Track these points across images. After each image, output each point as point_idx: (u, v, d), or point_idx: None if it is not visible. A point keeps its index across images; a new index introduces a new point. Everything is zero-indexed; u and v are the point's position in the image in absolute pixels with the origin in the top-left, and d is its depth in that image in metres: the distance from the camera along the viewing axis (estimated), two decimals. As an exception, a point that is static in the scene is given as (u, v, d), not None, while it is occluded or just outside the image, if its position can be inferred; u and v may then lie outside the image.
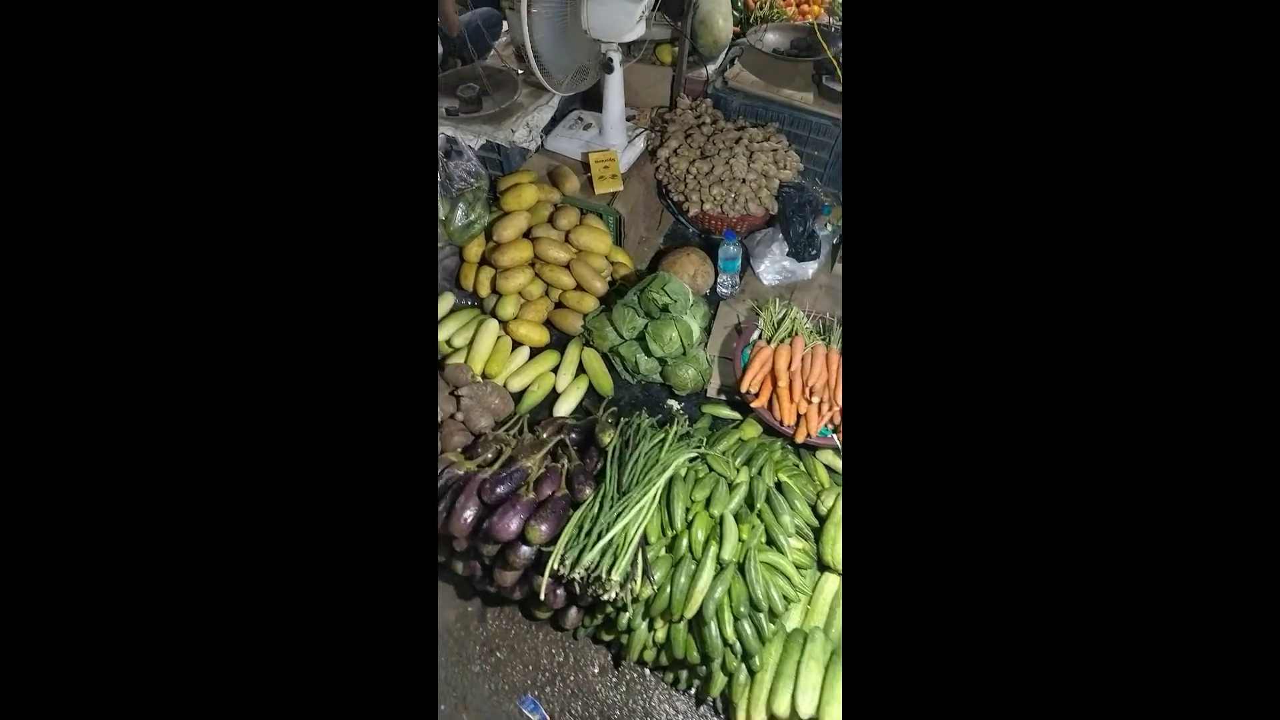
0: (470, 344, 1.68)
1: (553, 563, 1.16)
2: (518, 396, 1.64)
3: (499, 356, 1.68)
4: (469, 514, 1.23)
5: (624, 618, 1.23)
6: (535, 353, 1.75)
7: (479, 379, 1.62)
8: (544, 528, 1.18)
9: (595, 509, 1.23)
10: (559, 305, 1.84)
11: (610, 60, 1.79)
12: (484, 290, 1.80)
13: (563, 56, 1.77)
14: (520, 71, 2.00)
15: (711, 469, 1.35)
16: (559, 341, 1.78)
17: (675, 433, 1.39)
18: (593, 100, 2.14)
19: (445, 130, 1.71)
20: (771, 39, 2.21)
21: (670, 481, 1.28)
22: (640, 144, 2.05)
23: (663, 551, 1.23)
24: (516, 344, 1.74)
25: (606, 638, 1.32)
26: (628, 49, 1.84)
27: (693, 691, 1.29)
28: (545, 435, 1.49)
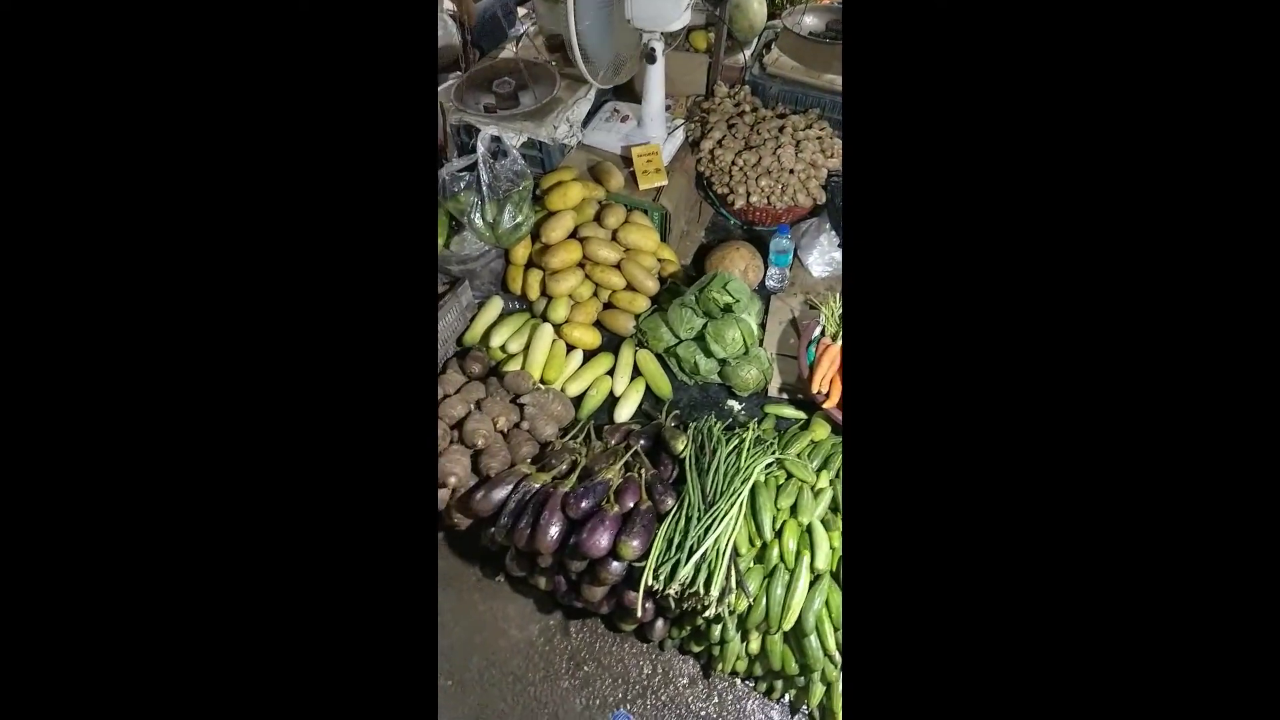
0: (526, 350, 1.65)
1: (646, 579, 1.14)
2: (576, 402, 1.61)
3: (555, 362, 1.64)
4: (554, 530, 1.20)
5: (716, 630, 1.21)
6: (588, 356, 1.71)
7: (539, 386, 1.58)
8: (635, 543, 1.16)
9: (682, 521, 1.21)
10: (608, 306, 1.80)
11: (653, 50, 1.73)
12: (533, 293, 1.76)
13: (606, 47, 1.71)
14: (552, 62, 1.94)
15: (790, 474, 1.33)
16: (609, 343, 1.75)
17: (750, 438, 1.37)
18: (625, 91, 2.08)
19: (490, 129, 1.65)
20: (809, 22, 2.15)
21: (753, 490, 1.26)
22: (680, 135, 2.00)
23: (752, 563, 1.21)
24: (569, 348, 1.71)
25: (695, 649, 1.30)
26: (669, 38, 1.78)
27: (787, 700, 1.28)
28: (613, 442, 1.46)
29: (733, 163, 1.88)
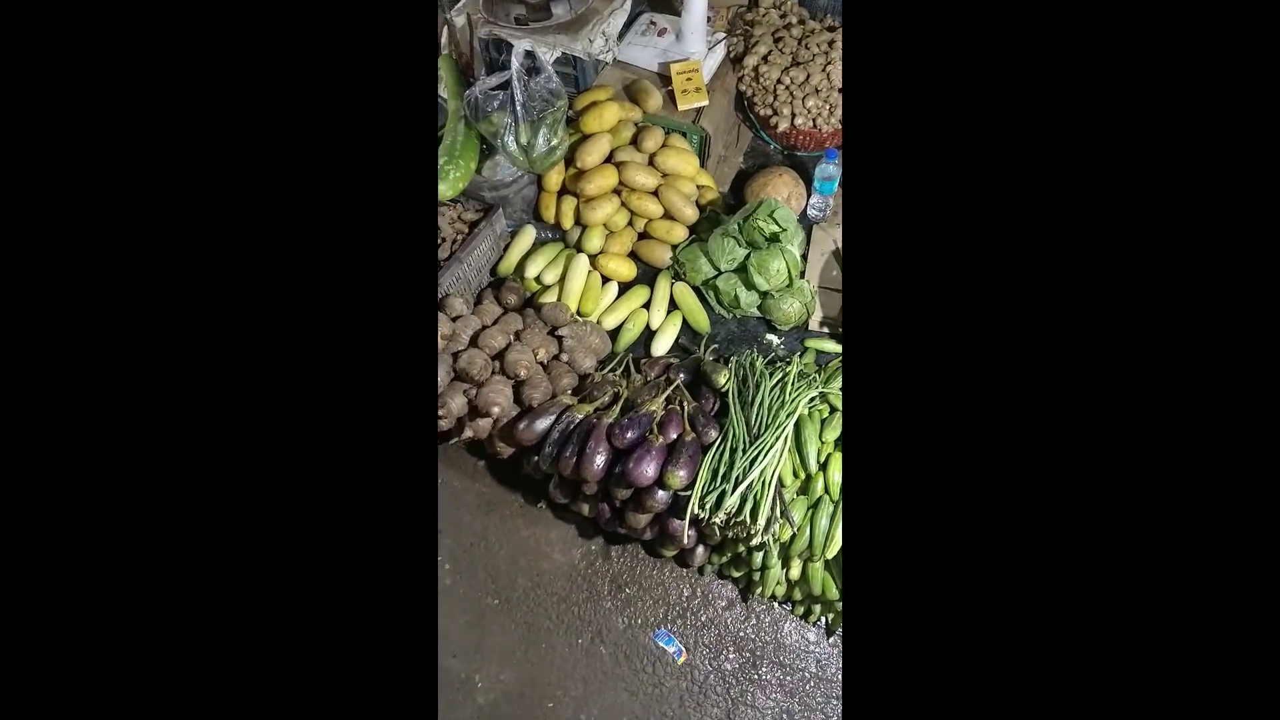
0: (561, 281, 1.61)
1: (692, 507, 1.16)
2: (612, 335, 1.59)
3: (591, 294, 1.61)
4: (600, 459, 1.21)
5: (757, 557, 1.24)
6: (623, 288, 1.67)
7: (576, 318, 1.56)
8: (682, 473, 1.17)
9: (727, 453, 1.21)
10: (643, 236, 1.74)
11: (697, -48, 1.59)
12: (567, 222, 1.70)
13: (647, -51, 1.57)
14: (585, -31, 1.79)
15: (835, 408, 1.32)
16: (644, 275, 1.70)
17: (794, 372, 1.35)
18: (663, 2, 1.93)
19: (523, 43, 1.54)
20: (865, -81, 1.95)
21: (798, 423, 1.25)
22: (721, 50, 1.87)
23: (796, 494, 1.22)
24: (604, 280, 1.67)
25: (735, 574, 1.34)
26: (714, -62, 1.63)
27: (824, 623, 1.32)
28: (652, 375, 1.45)
29: (779, 81, 1.76)
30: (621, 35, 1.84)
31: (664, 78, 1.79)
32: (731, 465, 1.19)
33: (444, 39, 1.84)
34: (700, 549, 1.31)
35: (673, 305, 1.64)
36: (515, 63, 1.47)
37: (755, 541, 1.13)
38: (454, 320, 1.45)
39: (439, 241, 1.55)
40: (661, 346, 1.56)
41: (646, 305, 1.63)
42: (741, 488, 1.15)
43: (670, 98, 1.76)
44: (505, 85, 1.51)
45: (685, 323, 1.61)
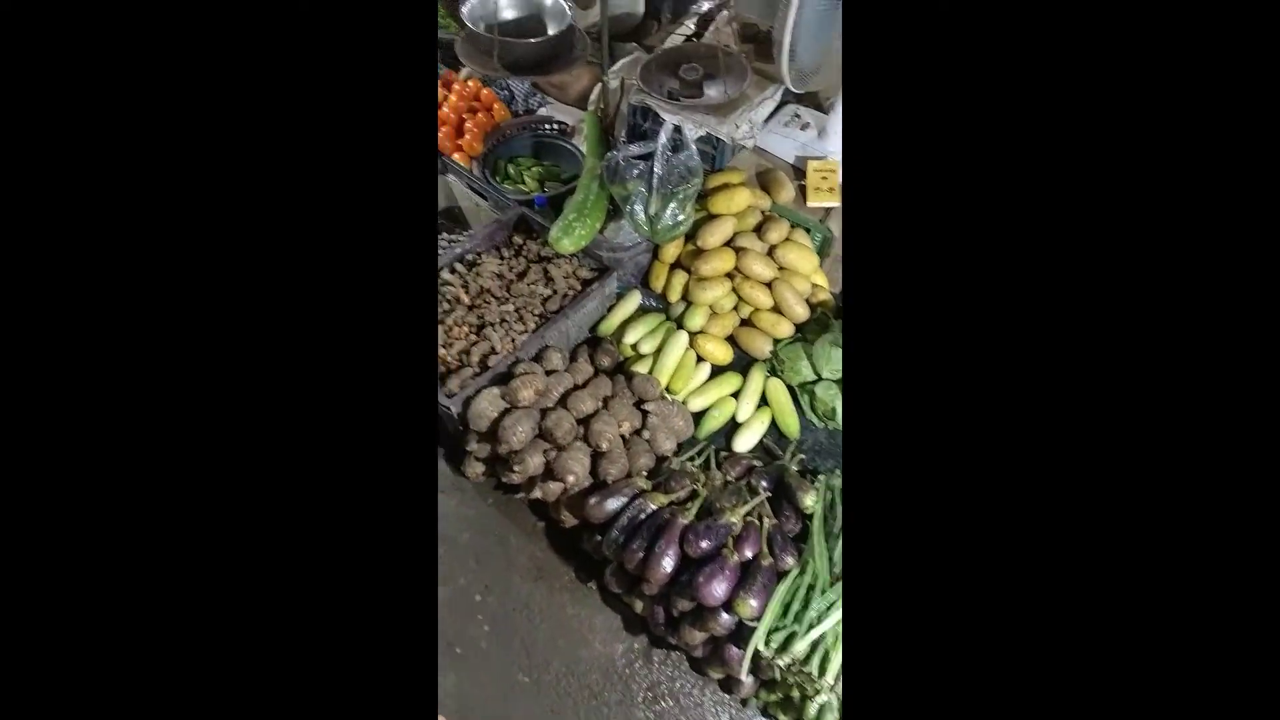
0: (657, 353, 1.58)
1: (757, 642, 1.07)
2: (696, 418, 1.53)
3: (683, 371, 1.57)
4: (669, 562, 1.15)
5: (811, 708, 1.13)
6: (715, 372, 1.63)
7: (664, 395, 1.52)
8: (754, 602, 1.09)
9: (804, 589, 1.12)
10: (745, 323, 1.70)
11: (862, 60, 1.58)
12: (674, 295, 1.68)
13: (815, 49, 1.57)
14: (745, 54, 1.81)
15: (926, 562, 1.21)
16: (738, 362, 1.65)
17: (887, 511, 1.25)
18: (808, 96, 1.93)
19: (673, 118, 1.56)
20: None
21: (885, 571, 1.15)
22: (861, 155, 1.84)
23: (871, 651, 1.11)
24: (698, 359, 1.63)
25: (781, 717, 1.23)
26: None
27: (871, 802, 1.19)
28: (733, 475, 1.38)
29: (917, 197, 1.71)
30: (765, 123, 1.84)
31: (798, 170, 1.77)
32: (806, 604, 1.10)
33: (594, 96, 1.89)
34: (750, 680, 1.21)
35: (763, 400, 1.58)
36: (663, 137, 1.49)
37: (819, 700, 1.03)
38: (549, 374, 1.43)
39: (550, 293, 1.56)
40: (745, 443, 1.50)
41: (735, 394, 1.58)
42: (814, 634, 1.06)
43: (801, 192, 1.74)
44: (648, 156, 1.52)
45: (774, 422, 1.54)
